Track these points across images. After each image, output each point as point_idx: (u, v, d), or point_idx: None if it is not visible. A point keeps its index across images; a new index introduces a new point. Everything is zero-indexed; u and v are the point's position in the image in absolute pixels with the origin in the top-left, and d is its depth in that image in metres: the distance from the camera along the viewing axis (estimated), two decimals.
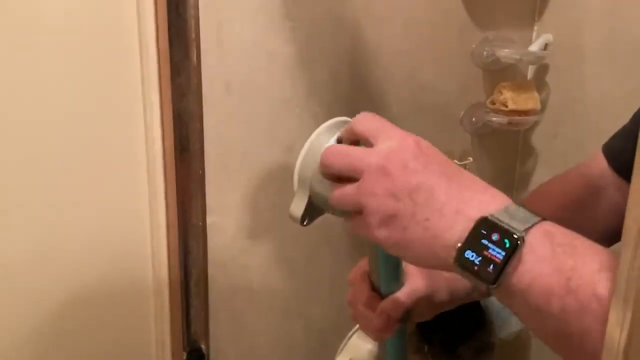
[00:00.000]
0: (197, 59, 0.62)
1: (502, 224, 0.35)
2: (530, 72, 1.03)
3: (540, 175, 1.08)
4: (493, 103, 0.95)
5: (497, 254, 0.35)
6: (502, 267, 0.35)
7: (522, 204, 0.38)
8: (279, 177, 0.74)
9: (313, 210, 0.46)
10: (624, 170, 0.57)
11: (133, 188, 0.65)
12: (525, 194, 1.13)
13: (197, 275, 0.69)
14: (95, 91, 0.60)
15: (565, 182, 0.66)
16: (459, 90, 0.94)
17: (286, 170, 0.74)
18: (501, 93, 0.94)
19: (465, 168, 0.99)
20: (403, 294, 0.53)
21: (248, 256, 0.75)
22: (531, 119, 0.95)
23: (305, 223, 0.47)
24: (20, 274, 0.59)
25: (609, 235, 0.59)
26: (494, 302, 1.02)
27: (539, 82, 1.03)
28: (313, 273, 0.83)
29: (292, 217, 0.47)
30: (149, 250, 0.68)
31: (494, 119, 0.93)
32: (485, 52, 0.92)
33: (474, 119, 0.96)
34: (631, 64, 0.92)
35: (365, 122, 0.43)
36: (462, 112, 0.95)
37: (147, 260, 0.68)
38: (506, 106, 0.93)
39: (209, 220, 0.69)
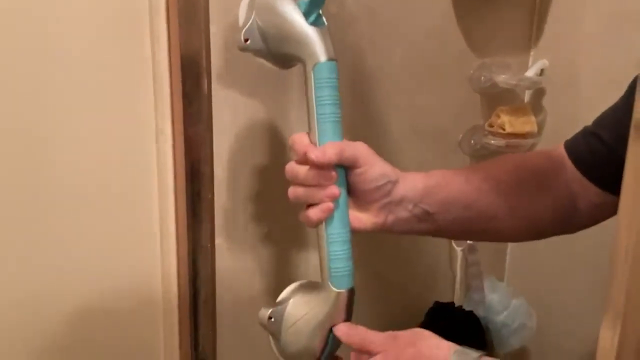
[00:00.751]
0: (208, 88, 0.65)
1: None
2: (527, 95, 1.06)
3: None
4: (491, 126, 0.98)
5: None
6: None
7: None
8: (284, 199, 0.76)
9: None
10: (581, 165, 0.63)
11: (145, 211, 0.68)
12: None
13: (205, 295, 0.71)
14: (109, 119, 0.63)
15: (529, 154, 0.70)
16: (458, 114, 0.97)
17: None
18: (499, 117, 0.97)
19: None
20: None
21: (254, 276, 0.77)
22: (528, 141, 0.98)
23: None
24: (25, 292, 0.61)
25: (554, 213, 0.64)
26: (494, 321, 1.04)
27: (536, 106, 1.05)
28: None
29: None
30: (159, 272, 0.70)
31: (492, 141, 0.96)
32: (482, 78, 0.95)
33: (472, 142, 0.98)
34: (625, 87, 0.95)
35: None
36: (461, 135, 0.98)
37: (157, 281, 0.70)
38: (504, 129, 0.96)
39: (217, 241, 0.72)
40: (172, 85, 0.64)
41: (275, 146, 0.75)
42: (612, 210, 0.63)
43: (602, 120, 0.63)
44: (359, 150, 0.56)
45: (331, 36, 0.56)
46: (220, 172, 0.70)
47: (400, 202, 0.58)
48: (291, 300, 0.58)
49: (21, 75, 0.57)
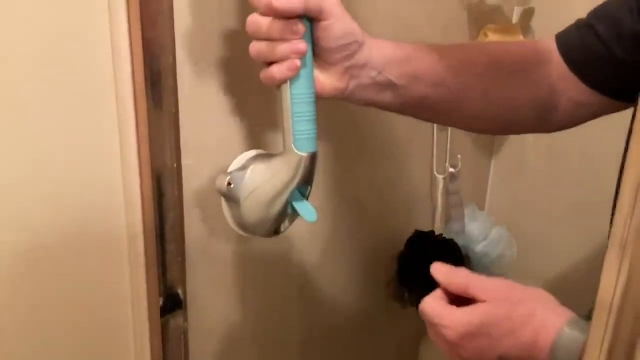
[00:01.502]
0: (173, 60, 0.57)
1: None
2: (516, 16, 1.00)
3: None
4: None
5: None
6: None
7: None
8: (259, 115, 0.70)
9: None
10: (571, 61, 0.59)
11: (103, 127, 0.61)
12: (506, 139, 1.12)
13: (172, 220, 0.66)
14: (61, 23, 0.55)
15: (513, 42, 0.67)
16: (444, 31, 0.91)
17: (268, 107, 0.70)
18: (486, 36, 0.92)
19: None
20: None
21: (223, 256, 0.73)
22: None
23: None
24: None
25: (530, 106, 0.61)
26: (475, 251, 1.02)
27: (525, 26, 1.00)
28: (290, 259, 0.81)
29: None
30: (121, 195, 0.64)
31: None
32: None
33: None
34: None
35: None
36: None
37: (120, 204, 0.64)
38: None
39: (184, 162, 0.66)
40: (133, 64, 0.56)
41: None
42: (595, 111, 0.61)
43: (600, 11, 0.58)
44: (327, 0, 0.50)
45: None
46: (184, 85, 0.63)
47: (364, 66, 0.54)
48: (252, 166, 0.55)
49: None
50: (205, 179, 0.69)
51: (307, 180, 0.55)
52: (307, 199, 0.58)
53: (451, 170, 1.00)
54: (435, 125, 0.97)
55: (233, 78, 0.67)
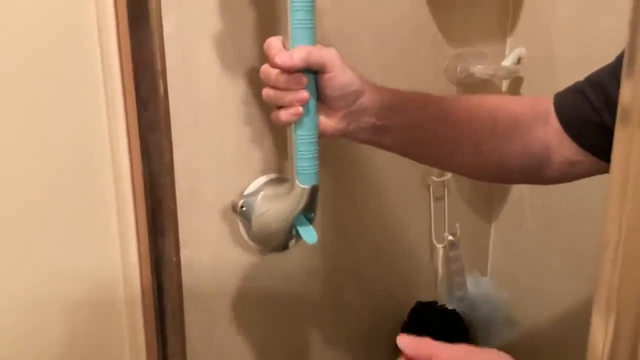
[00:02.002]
0: (164, 91, 0.60)
1: None
2: (505, 84, 1.03)
3: (519, 188, 1.09)
4: None
5: None
6: None
7: None
8: None
9: None
10: (565, 121, 0.62)
11: (103, 223, 0.63)
12: (504, 204, 1.13)
13: (172, 310, 0.67)
14: (60, 128, 0.58)
15: (514, 98, 0.70)
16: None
17: None
18: None
19: (443, 184, 0.99)
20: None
21: (224, 287, 0.73)
22: None
23: None
24: None
25: (522, 162, 0.64)
26: (477, 317, 1.02)
27: (514, 94, 1.03)
28: (291, 302, 0.82)
29: None
30: (122, 291, 0.66)
31: None
32: (458, 68, 0.92)
33: None
34: None
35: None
36: None
37: (120, 300, 0.66)
38: None
39: (182, 254, 0.67)
40: (124, 89, 0.59)
41: (241, 146, 0.71)
42: (587, 169, 0.63)
43: (593, 78, 0.61)
44: (328, 55, 0.57)
45: None
46: (182, 181, 0.65)
47: (363, 111, 0.60)
48: (261, 193, 0.65)
49: None
50: (204, 268, 0.70)
51: (309, 208, 0.62)
52: (312, 223, 0.65)
53: (450, 238, 1.00)
54: (431, 194, 0.98)
55: (228, 178, 0.69)
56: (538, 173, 0.65)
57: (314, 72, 0.58)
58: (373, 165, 0.88)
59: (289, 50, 0.57)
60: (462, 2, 0.90)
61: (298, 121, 0.58)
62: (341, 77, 0.58)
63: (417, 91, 0.64)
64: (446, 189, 0.99)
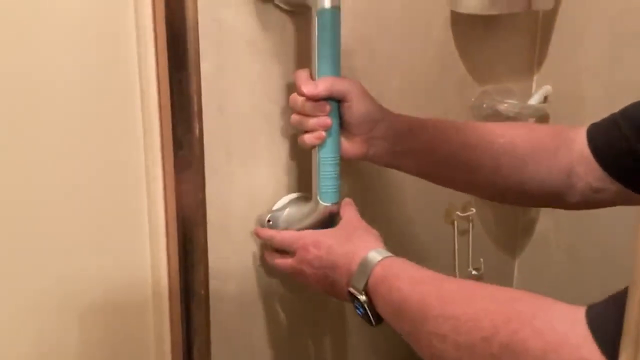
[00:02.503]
0: (199, 131, 0.63)
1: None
2: (532, 121, 1.04)
3: (544, 223, 1.08)
4: None
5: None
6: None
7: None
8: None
9: None
10: (594, 148, 0.63)
11: (138, 255, 0.66)
12: (529, 240, 1.12)
13: (199, 342, 0.69)
14: (100, 163, 0.61)
15: (540, 128, 0.73)
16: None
17: None
18: None
19: (468, 219, 0.99)
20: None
21: (250, 319, 0.75)
22: None
23: None
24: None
25: (541, 187, 0.66)
26: None
27: None
28: (315, 335, 0.83)
29: None
30: (151, 320, 0.68)
31: None
32: (484, 105, 0.93)
33: None
34: None
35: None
36: None
37: (149, 328, 0.68)
38: None
39: (211, 286, 0.69)
40: (162, 128, 0.62)
41: (269, 187, 0.73)
42: (608, 198, 0.64)
43: (627, 109, 0.62)
44: (350, 86, 0.64)
45: None
46: (212, 216, 0.68)
47: (382, 137, 0.65)
48: (288, 209, 0.70)
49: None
50: (231, 299, 0.72)
51: (329, 224, 0.67)
52: None
53: (474, 273, 1.01)
54: (455, 229, 0.99)
55: (257, 213, 0.72)
56: (560, 198, 0.67)
57: (337, 101, 0.64)
58: (397, 199, 0.89)
59: (314, 81, 0.63)
60: (490, 41, 0.92)
61: (322, 144, 0.64)
62: (360, 106, 0.64)
63: (437, 117, 0.69)
64: (470, 223, 1.00)
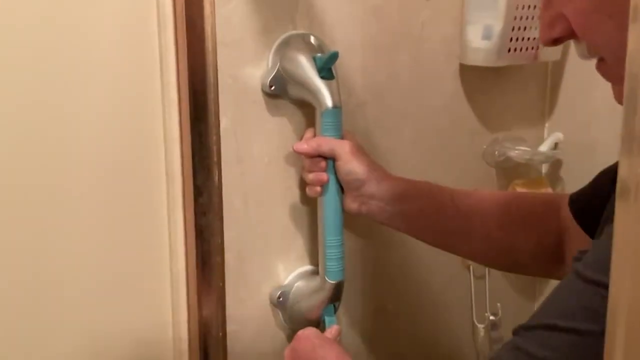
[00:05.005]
0: (218, 179, 0.67)
1: None
2: (544, 167, 1.05)
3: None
4: None
5: None
6: None
7: None
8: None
9: None
10: (576, 211, 0.64)
11: (157, 296, 0.69)
12: (548, 284, 1.12)
13: None
14: (124, 210, 0.65)
15: (525, 195, 0.76)
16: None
17: None
18: (515, 190, 0.96)
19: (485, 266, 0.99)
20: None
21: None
22: None
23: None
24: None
25: (533, 254, 0.68)
26: None
27: (554, 177, 1.04)
28: None
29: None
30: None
31: None
32: (496, 152, 0.95)
33: None
34: None
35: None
36: None
37: None
38: None
39: (228, 329, 0.71)
40: (184, 179, 0.66)
41: (284, 232, 0.76)
42: None
43: (610, 166, 0.63)
44: (338, 146, 0.68)
45: (339, 88, 0.70)
46: (230, 260, 0.70)
47: (370, 197, 0.69)
48: (296, 285, 0.74)
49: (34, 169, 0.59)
50: (248, 343, 0.74)
51: (335, 299, 0.72)
52: (337, 310, 0.75)
53: (491, 318, 1.00)
54: (471, 273, 0.99)
55: (273, 258, 0.75)
56: (554, 265, 0.68)
57: (332, 159, 0.69)
58: (412, 244, 0.90)
59: (307, 140, 0.70)
60: (499, 91, 0.95)
61: (323, 198, 0.70)
62: (346, 165, 0.68)
63: (431, 182, 0.72)
64: (487, 268, 1.00)
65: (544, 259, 0.68)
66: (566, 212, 0.65)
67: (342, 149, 0.68)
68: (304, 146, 0.69)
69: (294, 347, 0.64)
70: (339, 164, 0.68)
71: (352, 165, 0.68)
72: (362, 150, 0.70)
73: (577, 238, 0.64)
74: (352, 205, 0.70)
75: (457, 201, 0.70)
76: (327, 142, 0.68)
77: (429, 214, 0.70)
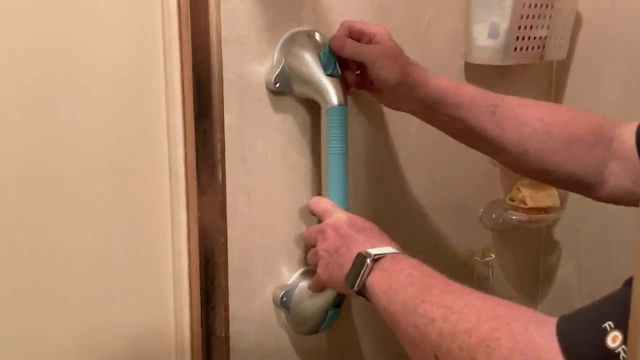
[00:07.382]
0: (222, 177, 0.66)
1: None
2: None
3: (565, 269, 1.08)
4: (512, 200, 0.96)
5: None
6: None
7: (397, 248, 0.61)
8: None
9: None
10: None
11: (160, 295, 0.68)
12: (550, 286, 1.11)
13: None
14: (127, 208, 0.64)
15: (583, 119, 0.69)
16: (477, 188, 0.96)
17: None
18: (519, 191, 0.95)
19: (487, 264, 0.99)
20: None
21: None
22: (551, 216, 0.95)
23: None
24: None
25: (569, 177, 0.67)
26: None
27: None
28: None
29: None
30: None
31: (514, 217, 0.94)
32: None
33: (493, 216, 0.97)
34: None
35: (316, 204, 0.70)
36: (482, 210, 0.96)
37: None
38: (525, 204, 0.94)
39: (231, 329, 0.71)
40: (187, 177, 0.65)
41: (288, 231, 0.75)
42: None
43: None
44: (367, 53, 0.67)
45: (342, 88, 0.68)
46: (234, 259, 0.70)
47: (402, 101, 0.71)
48: (300, 285, 0.73)
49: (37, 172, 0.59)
50: (251, 343, 0.73)
51: (339, 300, 0.72)
52: (340, 313, 0.74)
53: None
54: (475, 275, 0.99)
55: (277, 257, 0.74)
56: (586, 189, 0.68)
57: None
58: (416, 244, 0.90)
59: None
60: (504, 90, 0.89)
61: (329, 196, 0.70)
62: (377, 71, 0.67)
63: (475, 90, 0.70)
64: (490, 269, 1.00)
65: (579, 182, 0.67)
66: (623, 145, 0.63)
67: (373, 53, 0.66)
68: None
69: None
70: (369, 70, 0.67)
71: (383, 71, 0.66)
72: (393, 52, 0.67)
73: (629, 173, 0.63)
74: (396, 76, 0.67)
75: (498, 115, 0.68)
76: (354, 46, 0.67)
77: (463, 127, 0.69)
